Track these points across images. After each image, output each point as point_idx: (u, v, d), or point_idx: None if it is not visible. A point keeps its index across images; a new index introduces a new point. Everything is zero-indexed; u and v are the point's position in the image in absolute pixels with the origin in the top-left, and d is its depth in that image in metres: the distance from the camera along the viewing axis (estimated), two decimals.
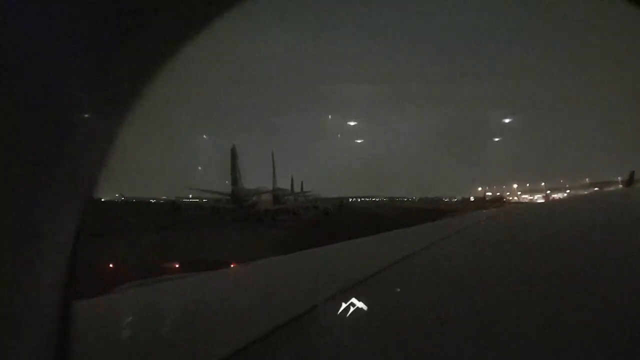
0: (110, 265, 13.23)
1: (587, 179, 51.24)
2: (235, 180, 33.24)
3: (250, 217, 32.51)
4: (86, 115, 0.79)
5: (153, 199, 51.60)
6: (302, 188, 45.43)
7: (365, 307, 1.93)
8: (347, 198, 47.04)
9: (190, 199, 44.43)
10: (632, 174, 24.74)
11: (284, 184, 43.88)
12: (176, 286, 2.52)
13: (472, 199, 62.62)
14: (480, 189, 67.77)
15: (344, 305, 1.90)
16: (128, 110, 0.86)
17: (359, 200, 52.22)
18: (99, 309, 1.86)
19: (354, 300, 1.98)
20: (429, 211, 31.23)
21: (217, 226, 28.67)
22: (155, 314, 1.87)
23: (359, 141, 65.45)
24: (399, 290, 2.55)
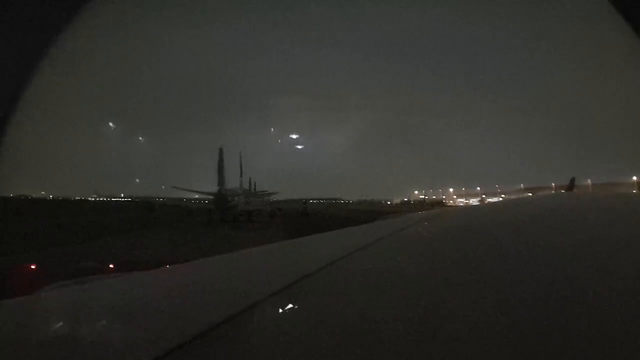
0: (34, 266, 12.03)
1: (521, 185, 55.19)
2: (221, 181, 33.11)
3: (226, 218, 32.31)
4: None
5: (129, 198, 50.65)
6: (255, 189, 45.39)
7: (305, 307, 1.87)
8: (292, 200, 47.09)
9: (162, 199, 44.30)
10: (572, 180, 28.80)
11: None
12: (107, 286, 2.42)
13: (411, 201, 65.99)
14: (416, 192, 70.85)
15: (279, 307, 1.88)
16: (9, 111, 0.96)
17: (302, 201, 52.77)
18: (21, 309, 1.79)
19: (292, 300, 1.96)
20: (371, 212, 32.59)
21: (193, 227, 27.98)
22: (80, 314, 1.80)
23: (299, 147, 66.53)
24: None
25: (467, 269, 2.50)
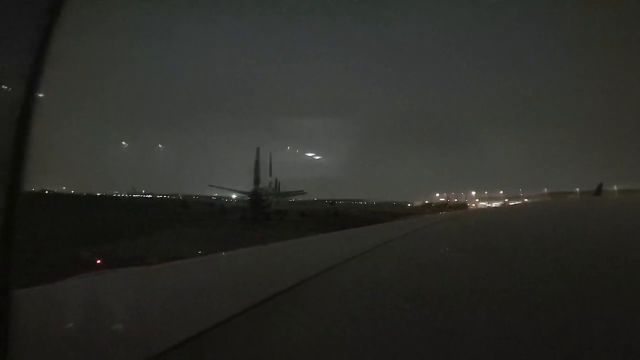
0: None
1: (545, 189, 53.54)
2: (257, 180, 33.93)
3: (259, 216, 32.40)
4: None
5: (164, 195, 53.05)
6: (279, 188, 45.59)
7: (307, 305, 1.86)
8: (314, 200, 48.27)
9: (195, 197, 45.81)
10: (600, 185, 29.30)
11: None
12: (116, 279, 2.38)
13: (432, 204, 65.64)
14: (437, 194, 71.11)
15: (294, 301, 1.88)
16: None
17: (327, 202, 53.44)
18: (42, 297, 1.79)
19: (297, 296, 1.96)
20: (394, 214, 31.78)
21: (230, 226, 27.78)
22: (97, 305, 1.80)
23: (317, 158, 67.13)
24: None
25: (481, 270, 2.47)
